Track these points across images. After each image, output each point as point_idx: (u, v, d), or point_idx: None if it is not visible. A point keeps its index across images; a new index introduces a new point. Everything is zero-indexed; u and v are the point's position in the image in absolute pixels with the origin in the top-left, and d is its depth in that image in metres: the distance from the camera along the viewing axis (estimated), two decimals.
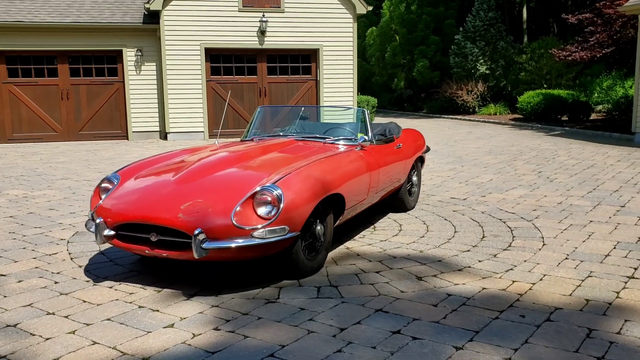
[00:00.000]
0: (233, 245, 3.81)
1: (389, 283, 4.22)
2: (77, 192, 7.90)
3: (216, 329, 3.48)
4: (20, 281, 4.36)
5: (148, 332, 3.44)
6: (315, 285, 4.20)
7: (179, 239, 3.93)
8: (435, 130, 16.77)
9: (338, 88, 15.81)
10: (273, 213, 3.90)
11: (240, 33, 15.12)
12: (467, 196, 7.33)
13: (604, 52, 14.86)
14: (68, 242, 5.44)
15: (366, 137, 5.34)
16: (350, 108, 5.93)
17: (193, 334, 3.40)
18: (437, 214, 6.39)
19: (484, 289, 4.08)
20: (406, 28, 25.28)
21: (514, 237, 5.41)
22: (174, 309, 3.79)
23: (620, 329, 3.38)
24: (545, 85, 20.41)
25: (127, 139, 15.28)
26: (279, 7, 15.27)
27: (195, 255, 3.78)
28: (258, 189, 4.00)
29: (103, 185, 4.49)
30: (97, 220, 4.08)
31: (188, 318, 3.64)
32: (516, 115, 19.99)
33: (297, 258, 4.18)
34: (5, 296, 4.06)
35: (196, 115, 15.26)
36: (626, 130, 14.46)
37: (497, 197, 7.22)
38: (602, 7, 14.87)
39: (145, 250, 4.03)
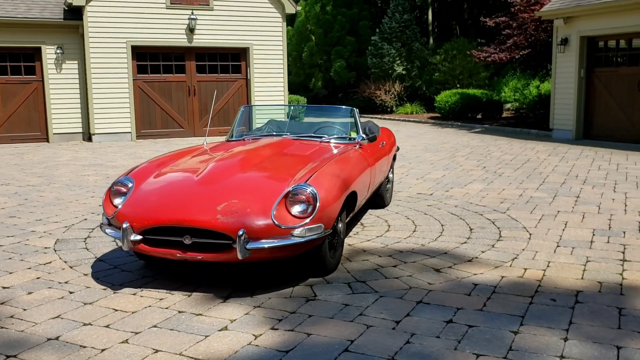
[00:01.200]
0: (275, 244, 3.82)
1: (412, 276, 4.37)
2: (29, 198, 7.44)
3: (273, 328, 3.47)
4: (30, 293, 4.11)
5: (206, 336, 3.38)
6: (342, 281, 4.27)
7: (215, 241, 3.86)
8: None
9: (269, 87, 15.80)
10: (309, 211, 3.93)
11: (168, 30, 14.74)
12: (432, 191, 7.64)
13: (521, 53, 15.89)
14: (55, 250, 5.15)
15: (364, 136, 5.47)
16: (340, 107, 6.03)
17: (254, 335, 3.38)
18: (414, 209, 6.63)
19: (503, 277, 4.32)
20: (322, 28, 25.63)
21: (498, 228, 5.74)
22: (216, 312, 3.73)
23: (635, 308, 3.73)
24: (458, 85, 21.46)
25: (48, 141, 14.45)
26: (208, 5, 15.03)
27: (240, 256, 3.74)
28: (291, 188, 4.01)
29: (115, 188, 4.32)
30: (124, 225, 3.92)
31: (238, 320, 3.60)
32: (433, 114, 20.87)
33: (325, 255, 4.24)
34: (24, 309, 3.81)
35: (123, 115, 14.70)
36: (539, 126, 15.58)
37: (461, 192, 7.58)
38: (516, 12, 15.89)
39: (177, 254, 3.93)
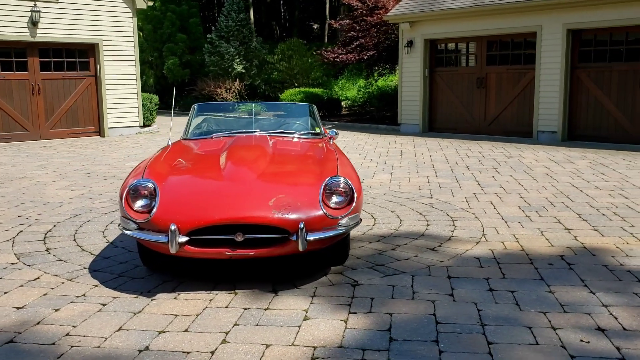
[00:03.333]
0: (328, 235, 3.98)
1: (419, 256, 4.80)
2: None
3: (353, 312, 3.66)
4: (57, 310, 3.76)
5: (299, 326, 3.46)
6: (364, 267, 4.54)
7: (272, 236, 3.91)
8: None
9: (120, 84, 15.03)
10: (348, 201, 4.15)
11: (7, 24, 13.28)
12: None
13: (369, 54, 17.09)
14: (29, 265, 4.66)
15: (336, 131, 5.74)
16: (300, 104, 6.20)
17: (341, 320, 3.54)
18: None
19: (491, 250, 4.94)
20: (151, 24, 24.76)
21: (441, 211, 6.40)
22: (280, 304, 3.79)
23: (620, 262, 4.57)
24: (296, 84, 22.28)
25: None
26: None
27: (301, 248, 3.85)
28: (327, 181, 4.19)
29: (135, 191, 4.09)
30: (172, 227, 3.78)
31: (310, 309, 3.71)
32: None
33: (349, 243, 4.49)
34: (73, 326, 3.51)
35: None
36: (380, 121, 17.00)
37: (376, 182, 8.18)
38: (359, 15, 17.06)
39: (226, 252, 3.89)
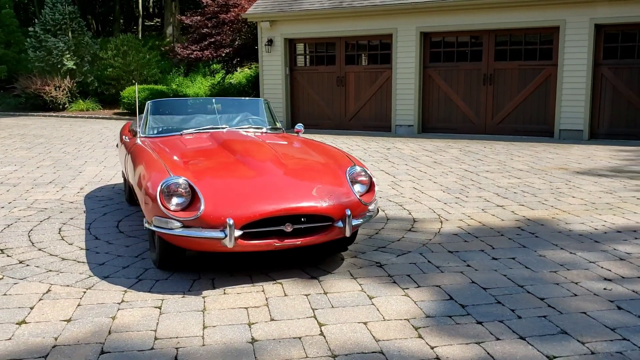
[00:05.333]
0: (365, 219, 4.26)
1: (405, 237, 5.24)
2: None
3: (407, 288, 3.99)
4: (114, 318, 3.55)
5: (372, 304, 3.71)
6: (371, 250, 4.86)
7: (319, 224, 4.07)
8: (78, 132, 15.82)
9: None
10: (369, 189, 4.46)
11: None
12: None
13: (225, 51, 17.01)
14: (24, 278, 4.24)
15: (302, 125, 5.95)
16: (255, 100, 6.24)
17: (404, 295, 3.86)
18: None
19: (459, 227, 5.57)
20: None
21: (384, 197, 6.93)
22: (332, 288, 3.98)
23: (568, 229, 5.47)
24: (133, 81, 21.33)
25: None
26: None
27: (347, 234, 4.07)
28: (349, 170, 4.46)
29: (169, 190, 3.95)
30: (230, 222, 3.76)
31: (365, 289, 3.96)
32: (117, 110, 20.35)
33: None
34: (153, 330, 3.37)
35: None
36: None
37: None
38: (211, 12, 16.95)
39: (274, 243, 3.96)
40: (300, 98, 15.43)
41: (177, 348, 3.13)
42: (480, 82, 13.25)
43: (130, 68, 21.23)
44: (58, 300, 3.81)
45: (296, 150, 4.97)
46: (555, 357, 2.98)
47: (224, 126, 5.68)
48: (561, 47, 12.23)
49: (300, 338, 3.24)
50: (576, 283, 4.03)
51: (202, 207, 3.86)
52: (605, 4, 11.68)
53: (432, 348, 3.11)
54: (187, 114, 5.90)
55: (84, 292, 3.95)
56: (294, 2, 14.90)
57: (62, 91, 20.60)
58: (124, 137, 6.21)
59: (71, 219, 5.99)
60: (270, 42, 15.20)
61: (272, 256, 4.61)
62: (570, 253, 4.71)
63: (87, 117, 19.14)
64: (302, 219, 4.01)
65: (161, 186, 3.96)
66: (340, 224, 4.07)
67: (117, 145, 7.27)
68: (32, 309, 3.67)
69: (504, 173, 8.45)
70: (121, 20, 32.48)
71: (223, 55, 16.98)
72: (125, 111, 19.73)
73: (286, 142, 5.23)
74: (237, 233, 3.83)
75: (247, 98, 6.61)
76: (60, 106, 20.75)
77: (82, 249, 4.95)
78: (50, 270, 4.39)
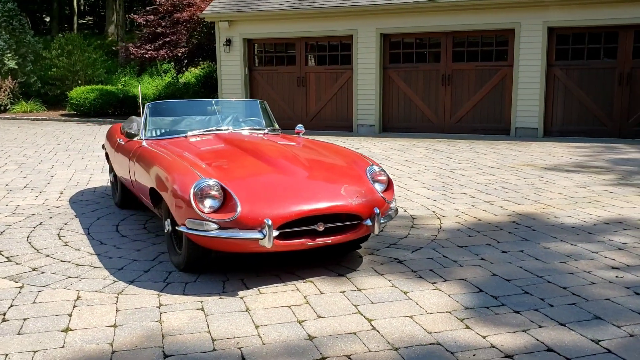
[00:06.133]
0: (390, 217, 4.40)
1: (412, 233, 5.42)
2: None
3: (434, 282, 4.15)
4: (160, 321, 3.54)
5: (409, 299, 3.84)
6: (383, 246, 5.01)
7: (349, 223, 4.17)
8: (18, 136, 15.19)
9: None
10: (388, 188, 4.60)
11: None
12: None
13: (182, 51, 16.74)
14: (49, 286, 4.14)
15: (302, 125, 6.02)
16: (252, 101, 6.24)
17: (436, 289, 4.02)
18: None
19: (458, 222, 5.79)
20: None
21: None
22: (364, 284, 4.09)
23: (560, 222, 5.78)
24: (79, 81, 20.72)
25: None
26: None
27: (376, 231, 4.19)
28: (368, 169, 4.58)
29: (203, 193, 3.96)
30: (269, 222, 3.81)
31: (396, 285, 4.10)
32: (63, 111, 19.71)
33: None
34: (207, 331, 3.39)
35: None
36: None
37: None
38: (164, 11, 16.66)
39: (307, 242, 4.03)
40: (261, 98, 15.40)
41: (239, 348, 3.16)
42: (438, 83, 13.64)
43: (76, 68, 20.63)
44: (93, 306, 3.75)
45: (311, 151, 5.03)
46: (600, 341, 3.20)
47: (226, 128, 5.68)
48: (516, 49, 12.76)
49: (355, 333, 3.34)
50: (589, 272, 4.30)
51: (239, 209, 3.89)
52: (557, 8, 12.28)
53: (483, 337, 3.27)
54: (187, 116, 5.86)
55: (116, 298, 3.90)
56: (253, 2, 14.88)
57: (4, 92, 19.76)
58: (118, 139, 6.09)
59: (65, 224, 5.84)
60: (228, 42, 15.12)
61: (286, 256, 4.67)
62: (572, 245, 5.00)
63: (34, 119, 18.44)
64: (334, 219, 4.10)
65: (194, 189, 3.95)
66: (368, 222, 4.18)
67: (102, 147, 7.11)
68: (71, 316, 3.60)
69: (477, 170, 8.77)
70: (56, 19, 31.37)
71: (179, 55, 16.73)
72: (73, 112, 19.13)
73: (295, 143, 5.29)
74: (275, 233, 3.88)
75: (244, 99, 6.64)
76: (2, 107, 19.90)
77: (92, 254, 4.86)
78: (69, 277, 4.30)
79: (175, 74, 20.07)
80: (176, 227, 4.11)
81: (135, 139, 5.63)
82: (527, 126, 12.95)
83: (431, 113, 13.84)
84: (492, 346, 3.16)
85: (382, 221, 4.26)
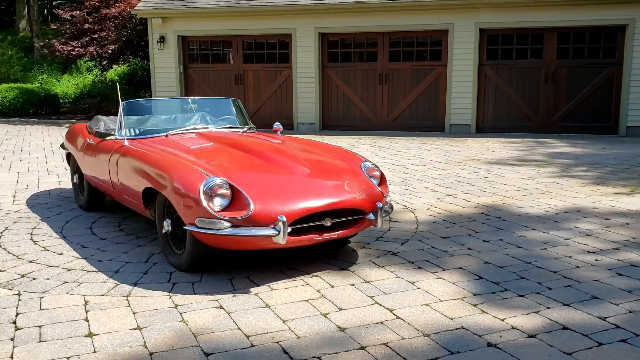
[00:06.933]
0: (389, 211, 4.55)
1: (394, 227, 5.60)
2: None
3: (435, 272, 4.34)
4: (184, 321, 3.53)
5: (418, 288, 4.01)
6: (372, 240, 5.16)
7: (353, 217, 4.29)
8: None
9: None
10: (381, 182, 4.76)
11: None
12: None
13: (112, 48, 16.12)
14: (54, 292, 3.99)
15: (279, 124, 6.06)
16: (225, 99, 6.19)
17: (439, 278, 4.21)
18: None
19: (432, 215, 6.03)
20: None
21: None
22: (371, 277, 4.22)
23: (525, 212, 6.16)
24: None
25: None
26: None
27: (380, 225, 4.33)
28: (363, 165, 4.72)
29: (212, 192, 3.94)
30: (283, 219, 3.85)
31: (401, 275, 4.26)
32: None
33: None
34: (236, 329, 3.41)
35: None
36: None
37: None
38: (91, 7, 16.01)
39: (315, 237, 4.11)
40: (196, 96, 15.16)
41: (277, 343, 3.20)
42: (376, 82, 13.99)
43: None
44: (106, 310, 3.66)
45: (301, 148, 5.09)
46: (606, 318, 3.49)
47: (205, 126, 5.64)
48: (450, 49, 13.30)
49: (382, 323, 3.46)
50: (569, 257, 4.64)
51: (252, 206, 3.91)
52: (488, 10, 12.92)
53: (502, 320, 3.48)
54: (164, 114, 5.75)
55: (127, 300, 3.82)
56: None
57: None
58: (87, 139, 5.88)
59: (34, 228, 5.59)
60: (162, 39, 14.79)
61: (281, 253, 4.71)
62: (544, 232, 5.35)
63: None
64: (338, 214, 4.20)
65: (203, 187, 3.93)
66: (371, 216, 4.31)
67: (62, 146, 6.83)
68: (87, 320, 3.50)
69: (428, 165, 9.12)
70: None
71: (110, 52, 16.15)
72: None
73: (280, 141, 5.33)
74: (289, 230, 3.93)
75: (219, 98, 6.56)
76: None
77: (78, 258, 4.70)
78: (66, 282, 4.15)
79: (100, 72, 19.35)
80: (184, 227, 4.06)
81: (110, 138, 5.49)
82: (460, 123, 13.53)
83: (369, 111, 14.17)
84: (513, 327, 3.38)
85: (384, 215, 4.40)
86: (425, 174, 8.34)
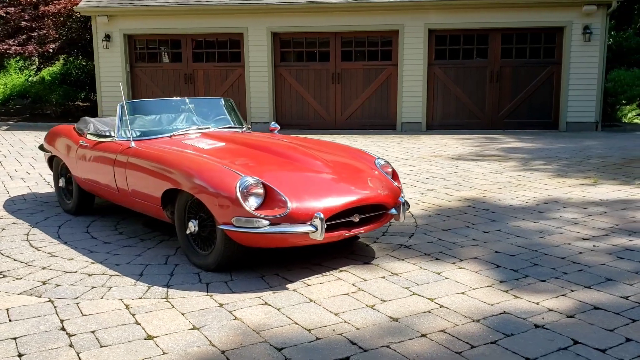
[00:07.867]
0: (408, 206, 4.72)
1: (392, 221, 5.80)
2: None
3: (453, 263, 4.55)
4: (238, 319, 3.56)
5: (445, 278, 4.22)
6: (380, 235, 5.33)
7: (378, 213, 4.43)
8: None
9: None
10: (395, 179, 4.94)
11: None
12: None
13: (52, 46, 15.42)
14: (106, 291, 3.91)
15: (276, 123, 6.11)
16: (218, 99, 6.15)
17: (459, 268, 4.43)
18: None
19: (424, 209, 6.28)
20: None
21: None
22: (395, 270, 4.39)
23: (508, 204, 6.50)
24: None
25: None
26: None
27: (402, 219, 4.50)
28: (376, 162, 4.88)
29: (248, 191, 3.98)
30: (321, 216, 3.95)
31: (423, 267, 4.46)
32: None
33: None
34: (294, 324, 3.49)
35: None
36: (59, 118, 15.95)
37: None
38: (28, 3, 15.29)
39: (345, 233, 4.24)
40: (145, 96, 14.83)
41: (340, 334, 3.30)
42: (329, 81, 14.19)
43: None
44: (152, 312, 3.63)
45: (314, 147, 5.18)
46: (628, 297, 3.81)
47: (207, 127, 5.62)
48: (400, 49, 13.68)
49: (429, 312, 3.62)
50: (569, 244, 4.98)
51: (289, 204, 3.98)
52: (436, 11, 13.38)
53: (537, 304, 3.72)
54: (164, 115, 5.67)
55: (167, 302, 3.80)
56: None
57: None
58: (80, 142, 5.71)
59: (27, 234, 5.40)
60: (108, 37, 14.38)
61: (291, 250, 4.80)
62: (535, 222, 5.69)
63: None
64: (367, 209, 4.34)
65: (239, 187, 3.96)
66: (393, 211, 4.48)
67: (41, 148, 6.59)
68: (139, 324, 3.47)
69: (395, 162, 9.39)
70: None
71: (51, 50, 15.48)
72: None
73: (287, 141, 5.39)
74: (325, 226, 4.02)
75: (214, 98, 6.52)
76: None
77: (93, 262, 4.60)
78: (94, 287, 4.07)
79: (34, 72, 18.51)
80: (218, 227, 4.07)
81: (108, 140, 5.37)
82: (411, 121, 13.94)
83: (323, 110, 14.34)
84: (550, 310, 3.63)
85: (404, 210, 4.57)
86: (397, 171, 8.58)
